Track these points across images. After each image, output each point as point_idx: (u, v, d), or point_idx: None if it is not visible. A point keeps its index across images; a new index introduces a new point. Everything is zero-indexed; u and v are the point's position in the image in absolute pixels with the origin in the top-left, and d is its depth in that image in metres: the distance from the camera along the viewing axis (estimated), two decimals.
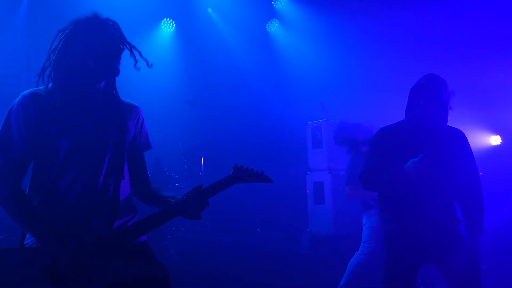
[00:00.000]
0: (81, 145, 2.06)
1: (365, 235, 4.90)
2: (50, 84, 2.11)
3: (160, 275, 2.06)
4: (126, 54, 2.20)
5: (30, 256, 1.92)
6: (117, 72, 2.15)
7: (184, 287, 5.20)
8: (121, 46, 2.13)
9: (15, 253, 1.95)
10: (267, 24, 9.95)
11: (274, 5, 9.61)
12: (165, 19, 9.34)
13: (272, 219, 8.80)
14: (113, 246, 2.00)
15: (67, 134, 2.03)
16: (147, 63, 2.27)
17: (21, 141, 1.98)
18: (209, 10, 9.33)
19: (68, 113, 2.06)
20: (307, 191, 7.26)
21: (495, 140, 8.12)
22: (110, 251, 1.98)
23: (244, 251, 7.20)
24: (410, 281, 2.89)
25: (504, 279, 5.24)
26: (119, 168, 2.16)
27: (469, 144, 3.14)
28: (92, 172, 2.07)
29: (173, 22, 9.40)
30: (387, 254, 3.02)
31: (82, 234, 1.96)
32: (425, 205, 2.92)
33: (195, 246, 6.89)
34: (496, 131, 8.12)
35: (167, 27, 9.39)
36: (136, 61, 2.22)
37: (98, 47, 2.05)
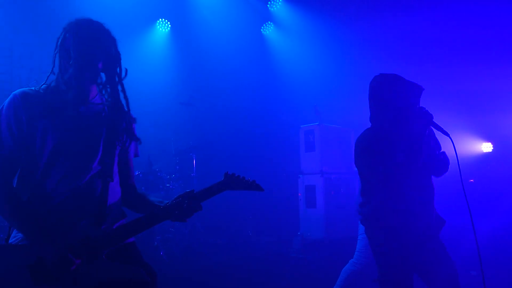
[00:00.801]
0: (68, 146, 2.08)
1: (361, 244, 4.80)
2: (43, 85, 2.17)
3: (146, 277, 2.05)
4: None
5: (16, 253, 1.92)
6: (95, 75, 2.18)
7: None
8: (101, 49, 2.15)
9: (1, 250, 1.95)
10: (262, 27, 9.95)
11: (269, 8, 9.61)
12: (160, 19, 9.32)
13: (264, 222, 8.79)
14: (100, 247, 2.00)
15: (53, 134, 2.06)
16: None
17: (12, 140, 2.01)
18: (205, 12, 9.32)
19: (59, 115, 2.09)
20: (299, 194, 7.27)
21: (487, 147, 8.16)
22: (97, 251, 1.98)
23: (235, 253, 7.19)
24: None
25: (495, 285, 5.26)
26: (108, 170, 2.18)
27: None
28: (79, 173, 2.09)
29: (169, 23, 9.38)
30: (379, 264, 2.98)
31: (69, 233, 1.97)
32: (413, 209, 2.90)
33: (185, 247, 6.86)
34: (487, 138, 8.17)
35: (162, 28, 9.36)
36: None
37: (79, 52, 2.08)
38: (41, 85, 2.17)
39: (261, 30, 9.97)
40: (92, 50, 2.11)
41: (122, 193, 2.40)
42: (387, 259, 2.91)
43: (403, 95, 2.96)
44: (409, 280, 2.86)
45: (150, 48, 9.25)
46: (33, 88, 2.14)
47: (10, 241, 2.04)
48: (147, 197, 2.42)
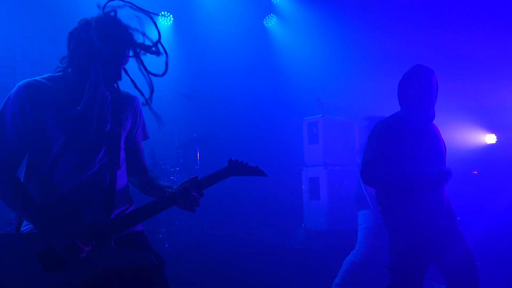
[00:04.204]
0: (76, 138, 2.06)
1: (361, 235, 4.90)
2: (49, 75, 2.12)
3: (154, 263, 2.06)
4: None
5: (24, 241, 1.93)
6: (119, 78, 2.20)
7: (178, 280, 5.21)
8: (127, 52, 2.18)
9: (9, 239, 1.96)
10: (264, 19, 9.92)
11: (272, 0, 9.58)
12: (162, 12, 9.30)
13: (267, 214, 8.80)
14: (107, 234, 2.01)
15: (64, 126, 2.04)
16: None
17: (16, 132, 1.99)
18: (207, 4, 9.29)
19: (65, 106, 2.06)
20: (303, 186, 7.27)
21: (491, 138, 8.13)
22: (105, 239, 2.00)
23: (239, 245, 7.20)
24: (418, 279, 2.87)
25: (498, 276, 5.27)
26: (115, 158, 2.17)
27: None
28: (87, 163, 2.08)
29: (171, 16, 9.36)
30: (393, 252, 2.98)
31: (77, 221, 1.98)
32: (428, 201, 2.91)
33: (189, 240, 6.89)
34: (491, 130, 8.14)
35: (164, 21, 9.34)
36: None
37: (105, 55, 2.06)
38: (47, 75, 2.13)
39: (264, 22, 9.94)
40: (122, 55, 2.15)
41: (135, 175, 2.43)
42: (400, 247, 2.92)
43: (419, 104, 3.03)
44: (419, 270, 2.86)
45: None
46: (37, 78, 2.09)
47: (22, 229, 2.06)
48: (156, 181, 2.44)
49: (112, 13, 2.14)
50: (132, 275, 2.03)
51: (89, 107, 2.11)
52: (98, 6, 2.12)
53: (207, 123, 8.93)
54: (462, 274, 2.92)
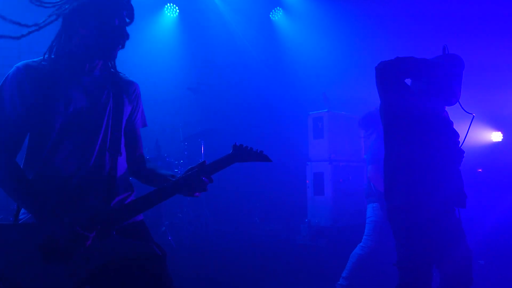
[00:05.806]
0: (76, 120, 2.01)
1: (369, 228, 4.89)
2: (46, 56, 2.09)
3: (157, 253, 2.04)
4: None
5: (25, 232, 1.89)
6: (113, 56, 2.14)
7: (181, 273, 5.21)
8: (121, 33, 2.09)
9: (9, 229, 1.91)
10: (271, 13, 9.87)
11: None
12: (168, 4, 9.27)
13: (271, 209, 8.80)
14: (110, 223, 1.96)
15: (63, 108, 1.99)
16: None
17: (15, 114, 1.94)
18: None
19: (64, 87, 2.02)
20: (307, 181, 7.25)
21: (497, 136, 8.08)
22: (107, 228, 1.95)
23: (243, 240, 7.21)
24: (428, 276, 2.84)
25: (503, 274, 5.25)
26: (116, 144, 2.12)
27: None
28: (86, 148, 2.03)
29: (177, 7, 9.33)
30: (400, 249, 2.92)
31: (79, 210, 1.93)
32: (441, 189, 2.85)
33: (193, 233, 6.90)
34: (497, 128, 8.09)
35: (170, 13, 9.31)
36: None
37: (97, 28, 2.02)
38: (44, 56, 2.09)
39: (270, 15, 9.90)
40: (113, 26, 2.05)
41: (132, 164, 2.36)
42: (408, 244, 2.86)
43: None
44: (428, 267, 2.83)
45: (158, 33, 9.21)
46: (35, 59, 2.05)
47: (19, 217, 2.01)
48: (158, 171, 2.38)
49: None
50: (135, 265, 2.00)
51: (87, 88, 2.09)
52: None
53: (212, 116, 8.92)
54: (457, 273, 2.90)
